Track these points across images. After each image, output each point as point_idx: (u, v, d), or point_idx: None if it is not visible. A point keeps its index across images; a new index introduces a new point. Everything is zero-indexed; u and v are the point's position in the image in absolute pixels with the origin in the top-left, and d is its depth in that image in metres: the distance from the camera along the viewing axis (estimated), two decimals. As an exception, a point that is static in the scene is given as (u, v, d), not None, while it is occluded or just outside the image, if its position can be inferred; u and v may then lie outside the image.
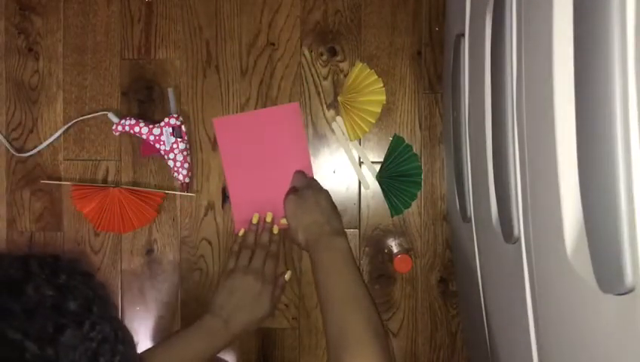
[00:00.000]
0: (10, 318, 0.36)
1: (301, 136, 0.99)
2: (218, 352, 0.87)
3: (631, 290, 0.31)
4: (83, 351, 0.37)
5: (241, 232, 0.97)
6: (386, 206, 0.99)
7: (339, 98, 0.98)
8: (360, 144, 1.00)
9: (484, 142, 0.61)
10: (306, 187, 0.93)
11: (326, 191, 0.94)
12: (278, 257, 0.96)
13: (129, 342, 0.43)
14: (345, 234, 0.89)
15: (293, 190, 0.95)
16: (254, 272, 0.90)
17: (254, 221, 0.97)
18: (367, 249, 1.00)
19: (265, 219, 0.97)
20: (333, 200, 0.97)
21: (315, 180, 0.98)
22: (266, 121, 0.99)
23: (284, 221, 0.95)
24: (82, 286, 0.40)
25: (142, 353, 0.82)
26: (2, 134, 1.02)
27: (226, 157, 0.99)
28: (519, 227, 0.51)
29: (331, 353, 0.74)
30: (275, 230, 0.97)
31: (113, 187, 1.00)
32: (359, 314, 0.76)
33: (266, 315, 0.91)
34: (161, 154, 0.97)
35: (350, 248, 0.87)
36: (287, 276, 0.97)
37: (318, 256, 0.85)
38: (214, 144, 1.00)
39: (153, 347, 0.85)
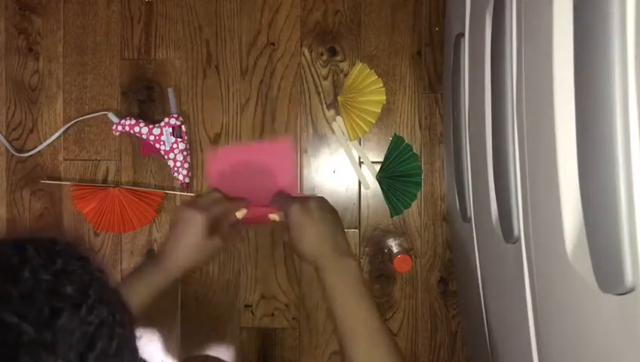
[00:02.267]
0: (7, 302, 0.36)
1: (291, 173, 0.94)
2: (161, 291, 0.79)
3: (631, 290, 0.31)
4: (80, 335, 0.37)
5: None
6: (386, 206, 0.99)
7: (339, 98, 0.98)
8: (360, 144, 1.00)
9: (484, 142, 0.61)
10: (309, 197, 0.85)
11: (332, 207, 0.85)
12: (234, 208, 0.87)
13: (127, 324, 0.43)
14: (353, 254, 0.84)
15: (292, 197, 0.86)
16: (195, 203, 0.83)
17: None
18: (367, 249, 1.00)
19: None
20: (334, 200, 0.96)
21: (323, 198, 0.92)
22: (258, 156, 0.95)
23: (274, 217, 0.88)
24: (79, 270, 0.40)
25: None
26: (2, 134, 1.02)
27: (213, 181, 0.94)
28: (519, 227, 0.51)
29: None
30: (240, 215, 0.89)
31: (113, 187, 1.00)
32: (384, 347, 0.75)
33: (207, 248, 0.82)
34: (161, 154, 0.97)
35: (360, 270, 0.82)
36: (239, 214, 0.88)
37: (329, 281, 0.78)
38: (214, 144, 1.00)
39: None
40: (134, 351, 0.43)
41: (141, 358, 0.46)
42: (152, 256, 0.84)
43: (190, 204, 0.84)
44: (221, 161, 0.96)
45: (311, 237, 0.80)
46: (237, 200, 0.88)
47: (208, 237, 0.81)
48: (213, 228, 0.81)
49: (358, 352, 0.73)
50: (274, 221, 0.87)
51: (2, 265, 0.38)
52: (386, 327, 0.77)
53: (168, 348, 1.02)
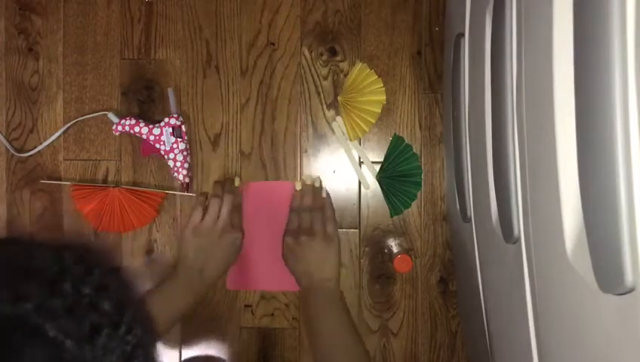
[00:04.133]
0: (53, 316, 0.35)
1: (284, 217, 0.98)
2: (194, 305, 0.91)
3: (631, 290, 0.31)
4: (120, 354, 0.36)
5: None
6: (386, 206, 0.99)
7: (339, 98, 0.98)
8: (360, 144, 1.00)
9: (484, 142, 0.61)
10: (304, 232, 0.93)
11: (322, 235, 0.93)
12: (241, 209, 0.98)
13: (156, 343, 0.42)
14: (335, 281, 0.93)
15: (293, 232, 0.95)
16: (225, 222, 0.93)
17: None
18: (367, 249, 1.00)
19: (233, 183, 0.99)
20: (334, 200, 0.97)
21: (331, 216, 0.97)
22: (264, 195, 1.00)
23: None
24: (115, 285, 0.39)
25: None
26: (2, 134, 1.02)
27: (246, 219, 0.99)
28: (519, 227, 0.51)
29: None
30: (237, 183, 0.98)
31: (113, 187, 0.99)
32: (345, 357, 0.86)
33: (235, 261, 0.96)
34: (161, 154, 0.97)
35: (339, 295, 0.94)
36: (237, 182, 0.99)
37: (307, 304, 0.92)
38: (214, 144, 1.00)
39: None
40: None
41: None
42: (189, 270, 0.91)
43: (222, 226, 0.93)
44: (254, 194, 1.00)
45: (296, 267, 0.93)
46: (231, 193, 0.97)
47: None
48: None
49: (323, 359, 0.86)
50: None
51: (42, 274, 0.37)
52: (362, 349, 0.89)
53: (168, 348, 1.02)
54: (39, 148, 1.01)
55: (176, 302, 0.87)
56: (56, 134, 1.01)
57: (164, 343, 1.02)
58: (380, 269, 1.00)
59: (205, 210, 0.94)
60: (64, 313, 0.35)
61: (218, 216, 0.93)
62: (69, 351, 0.34)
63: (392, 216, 0.99)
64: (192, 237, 0.92)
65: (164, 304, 0.85)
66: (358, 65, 0.97)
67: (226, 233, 0.93)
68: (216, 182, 0.99)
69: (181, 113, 0.99)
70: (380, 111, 0.98)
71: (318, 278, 0.91)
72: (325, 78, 1.00)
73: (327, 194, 0.98)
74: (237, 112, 1.00)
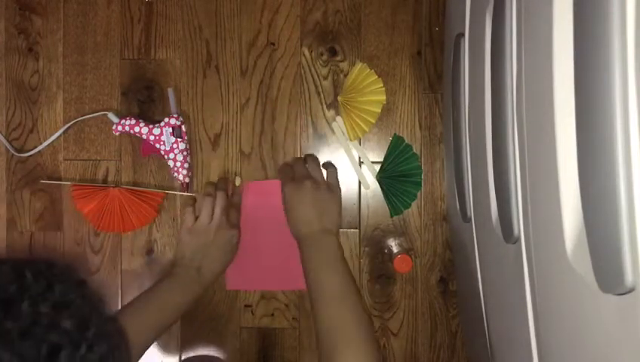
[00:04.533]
0: (6, 340, 0.34)
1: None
2: (192, 303, 0.89)
3: (631, 290, 0.31)
4: None
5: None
6: (386, 206, 0.99)
7: (339, 98, 0.98)
8: (360, 144, 1.00)
9: (484, 142, 0.61)
10: (307, 177, 0.92)
11: (326, 184, 0.93)
12: (239, 207, 0.98)
13: (125, 358, 0.41)
14: (336, 233, 0.90)
15: (293, 177, 0.93)
16: (219, 220, 0.92)
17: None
18: (367, 249, 1.00)
19: (233, 182, 0.99)
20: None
21: (333, 172, 0.96)
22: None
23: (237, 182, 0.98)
24: (78, 300, 0.38)
25: (119, 312, 0.83)
26: (2, 134, 1.02)
27: (243, 218, 0.99)
28: (519, 227, 0.51)
29: (321, 351, 0.75)
30: (237, 182, 0.99)
31: (113, 187, 0.99)
32: (347, 313, 0.78)
33: (232, 259, 0.95)
34: (161, 154, 0.97)
35: (339, 246, 0.89)
36: (237, 181, 0.99)
37: (306, 254, 0.87)
38: (214, 144, 1.00)
39: (127, 305, 0.85)
40: None
41: None
42: (186, 267, 0.90)
43: (219, 223, 0.92)
44: (254, 193, 0.99)
45: (297, 213, 0.90)
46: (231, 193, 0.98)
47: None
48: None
49: (322, 315, 0.79)
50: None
51: (2, 296, 0.36)
52: (358, 298, 0.82)
53: (168, 348, 1.02)
54: (39, 148, 1.01)
55: (174, 301, 0.86)
56: (56, 134, 1.01)
57: (164, 343, 1.02)
58: (380, 269, 1.00)
59: (197, 210, 0.94)
60: (19, 336, 0.34)
61: (212, 215, 0.92)
62: None
63: (392, 216, 0.99)
64: (188, 237, 0.92)
65: (161, 303, 0.85)
66: (358, 65, 0.97)
67: (221, 230, 0.92)
68: (208, 183, 0.99)
69: (181, 113, 0.99)
70: (380, 111, 0.98)
71: (319, 228, 0.88)
72: (325, 78, 1.00)
73: (331, 163, 0.98)
74: (237, 112, 1.00)
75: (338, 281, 0.83)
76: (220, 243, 0.92)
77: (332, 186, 0.94)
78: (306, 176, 0.93)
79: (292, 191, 0.91)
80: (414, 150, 0.98)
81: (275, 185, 0.98)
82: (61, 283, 0.38)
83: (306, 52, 0.99)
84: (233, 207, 0.96)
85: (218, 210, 0.92)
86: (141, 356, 0.80)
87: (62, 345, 0.35)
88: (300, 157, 0.98)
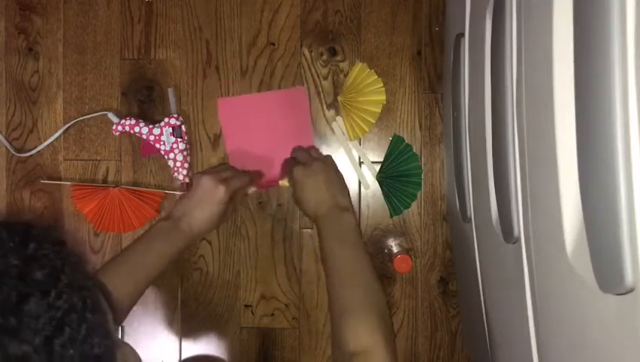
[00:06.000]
0: None
1: (306, 121, 0.99)
2: (180, 252, 0.88)
3: (631, 290, 0.31)
4: (47, 320, 0.37)
5: None
6: (386, 206, 0.99)
7: (339, 98, 0.98)
8: (360, 144, 1.00)
9: (484, 142, 0.61)
10: (315, 159, 0.92)
11: (335, 165, 0.93)
12: (249, 182, 0.95)
13: (100, 309, 0.42)
14: (353, 211, 0.88)
15: (296, 161, 0.93)
16: (216, 174, 0.90)
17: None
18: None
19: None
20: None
21: (329, 156, 0.96)
22: (270, 104, 0.99)
23: (284, 183, 0.95)
24: (52, 255, 0.40)
25: (105, 264, 0.83)
26: (2, 134, 1.02)
27: (228, 137, 0.99)
28: (519, 227, 0.51)
29: (334, 326, 0.74)
30: (250, 191, 0.98)
31: (113, 187, 1.00)
32: (362, 289, 0.77)
33: (223, 215, 0.91)
34: (161, 154, 0.97)
35: (358, 224, 0.88)
36: (250, 191, 0.98)
37: (325, 230, 0.85)
38: (214, 144, 1.00)
39: (114, 257, 0.84)
40: (108, 336, 0.42)
41: (121, 340, 0.45)
42: (170, 219, 0.88)
43: (211, 175, 0.91)
44: (234, 109, 1.00)
45: (311, 193, 0.89)
46: (249, 173, 0.96)
47: (225, 206, 0.90)
48: (230, 198, 0.90)
49: (336, 290, 0.78)
50: (283, 185, 0.96)
51: None
52: (374, 276, 0.80)
53: (168, 347, 1.02)
54: (39, 148, 1.01)
55: (158, 250, 0.84)
56: (56, 134, 1.01)
57: (164, 343, 1.02)
58: (379, 269, 1.00)
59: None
60: None
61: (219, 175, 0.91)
62: None
63: (391, 216, 0.99)
64: (199, 182, 0.90)
65: (144, 253, 0.83)
66: (358, 65, 0.97)
67: (216, 183, 0.89)
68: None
69: (181, 113, 0.99)
70: (379, 111, 0.98)
71: (333, 204, 0.87)
72: (325, 78, 1.00)
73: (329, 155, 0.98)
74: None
75: (356, 257, 0.81)
76: (211, 194, 0.89)
77: (338, 170, 0.93)
78: (313, 158, 0.92)
79: (302, 173, 0.90)
80: (414, 150, 0.98)
81: (258, 98, 0.99)
82: (36, 241, 0.40)
83: (306, 52, 0.99)
84: (239, 177, 0.93)
85: (223, 171, 0.92)
86: (131, 306, 0.80)
87: (31, 293, 0.37)
88: (301, 146, 0.98)
